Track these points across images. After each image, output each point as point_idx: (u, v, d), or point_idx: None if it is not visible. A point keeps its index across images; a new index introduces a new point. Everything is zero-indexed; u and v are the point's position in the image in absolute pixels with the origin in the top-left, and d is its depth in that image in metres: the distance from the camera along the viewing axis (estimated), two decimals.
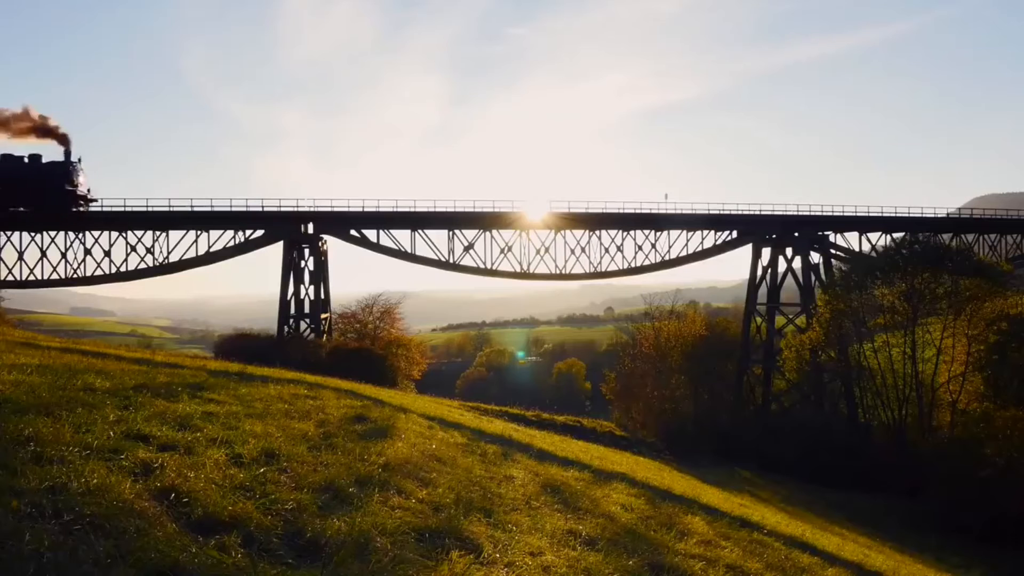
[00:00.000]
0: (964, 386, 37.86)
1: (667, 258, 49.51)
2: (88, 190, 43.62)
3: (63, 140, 45.53)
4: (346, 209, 45.68)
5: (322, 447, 6.08)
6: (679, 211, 48.46)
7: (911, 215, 51.62)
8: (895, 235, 49.23)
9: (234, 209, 44.67)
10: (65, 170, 43.11)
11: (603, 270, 49.54)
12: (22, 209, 43.07)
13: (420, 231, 46.63)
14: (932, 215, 53.95)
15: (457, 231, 47.05)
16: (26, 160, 42.71)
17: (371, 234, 46.11)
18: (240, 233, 45.23)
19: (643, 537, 6.08)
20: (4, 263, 44.68)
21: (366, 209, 45.76)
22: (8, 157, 42.76)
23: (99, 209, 44.53)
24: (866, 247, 50.21)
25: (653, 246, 49.19)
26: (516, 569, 4.41)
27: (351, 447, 6.31)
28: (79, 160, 43.81)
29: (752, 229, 49.14)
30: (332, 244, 47.63)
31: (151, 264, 45.50)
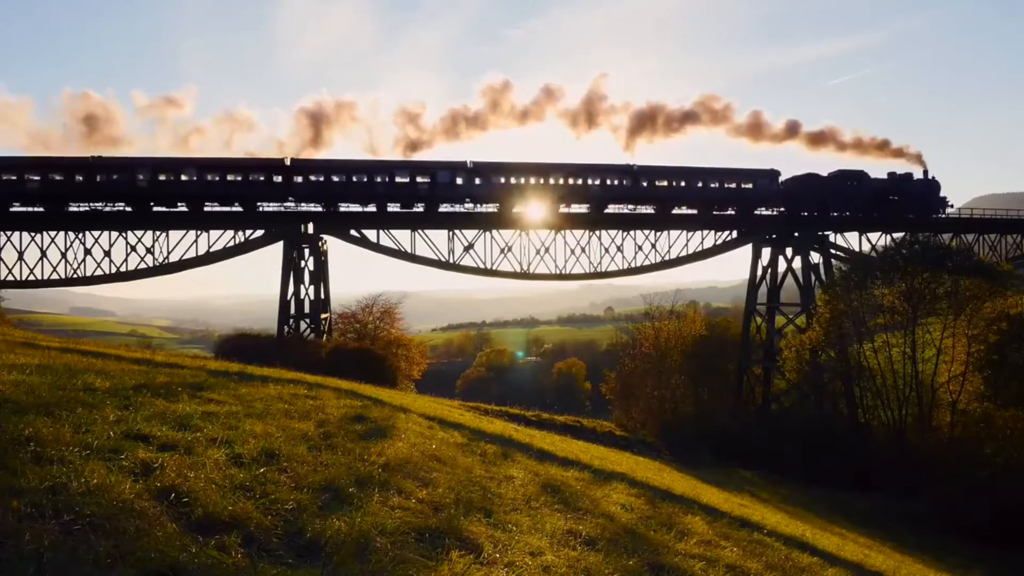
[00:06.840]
0: (964, 386, 37.78)
1: (667, 258, 49.45)
2: (946, 199, 52.03)
3: (919, 160, 56.56)
4: (346, 209, 45.68)
5: (322, 447, 6.08)
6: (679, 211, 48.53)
7: (911, 215, 51.64)
8: (895, 235, 49.29)
9: (234, 209, 44.70)
10: (934, 185, 52.11)
11: (603, 270, 49.45)
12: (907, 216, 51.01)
13: (420, 231, 46.60)
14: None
15: (457, 231, 47.02)
16: (897, 175, 51.77)
17: (371, 234, 46.00)
18: (240, 233, 45.17)
19: (643, 537, 6.08)
20: (4, 263, 44.66)
21: (366, 209, 45.79)
22: (893, 175, 51.58)
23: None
24: (866, 247, 50.29)
25: (653, 246, 49.16)
26: (516, 569, 4.40)
27: (351, 447, 6.30)
28: (934, 177, 52.59)
29: (752, 229, 49.16)
30: (332, 244, 47.65)
31: (151, 264, 45.40)
